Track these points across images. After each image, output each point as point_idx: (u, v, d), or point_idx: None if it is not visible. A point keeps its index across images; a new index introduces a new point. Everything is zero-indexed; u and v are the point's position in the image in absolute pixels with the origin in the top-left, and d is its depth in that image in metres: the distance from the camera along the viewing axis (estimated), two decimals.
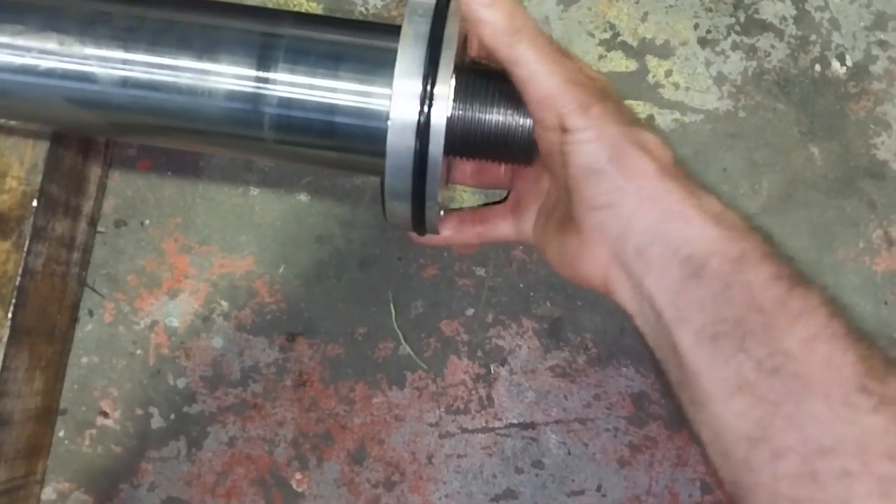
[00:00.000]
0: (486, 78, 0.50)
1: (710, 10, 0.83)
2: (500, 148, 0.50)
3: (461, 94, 0.49)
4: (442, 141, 0.48)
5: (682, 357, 0.42)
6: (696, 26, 0.83)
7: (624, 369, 0.77)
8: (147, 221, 0.80)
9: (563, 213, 0.48)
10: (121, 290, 0.79)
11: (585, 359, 0.77)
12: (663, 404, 0.77)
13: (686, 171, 0.46)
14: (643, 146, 0.45)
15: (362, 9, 0.84)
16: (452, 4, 0.49)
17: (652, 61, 0.82)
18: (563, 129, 0.45)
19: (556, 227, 0.50)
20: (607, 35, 0.83)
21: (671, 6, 0.83)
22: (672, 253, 0.43)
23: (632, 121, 0.46)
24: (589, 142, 0.45)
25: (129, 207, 0.80)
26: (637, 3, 0.83)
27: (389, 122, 0.48)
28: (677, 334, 0.42)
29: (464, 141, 0.50)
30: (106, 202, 0.80)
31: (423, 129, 0.48)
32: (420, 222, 0.51)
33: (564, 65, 0.46)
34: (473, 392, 0.77)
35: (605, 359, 0.77)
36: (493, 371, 0.78)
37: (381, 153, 0.49)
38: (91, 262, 0.80)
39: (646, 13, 0.83)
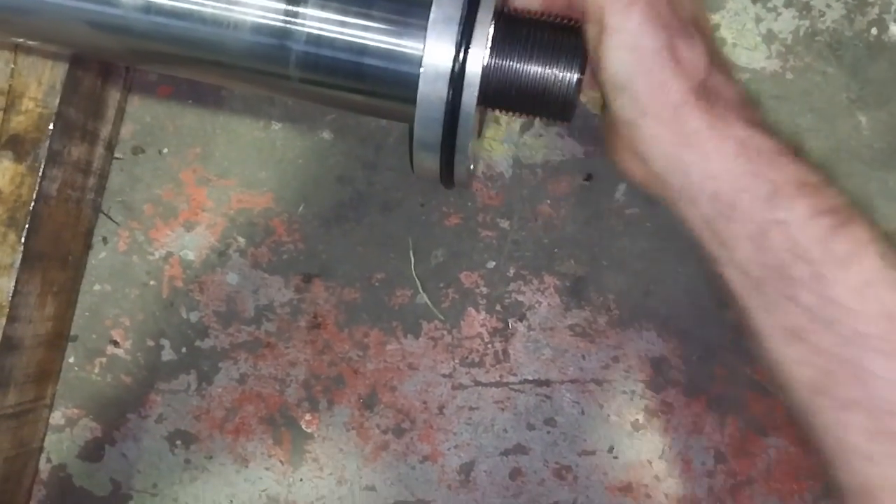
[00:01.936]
0: (527, 26, 0.47)
1: None
2: (536, 102, 0.48)
3: (499, 42, 0.47)
4: (476, 92, 0.45)
5: (733, 291, 0.41)
6: None
7: (645, 332, 0.75)
8: (165, 150, 0.78)
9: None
10: (136, 218, 0.78)
11: (607, 319, 0.76)
12: (683, 370, 0.75)
13: (719, 87, 0.42)
14: (677, 62, 0.42)
15: None
16: None
17: None
18: (602, 26, 0.42)
19: (606, 115, 0.47)
20: None
21: None
22: (697, 188, 0.41)
23: (677, 23, 0.42)
24: (621, 49, 0.42)
25: (147, 134, 0.78)
26: None
27: (422, 69, 0.45)
28: (722, 269, 0.41)
29: (498, 92, 0.47)
30: (124, 128, 0.78)
31: (457, 77, 0.45)
32: (449, 175, 0.49)
33: None
34: (489, 346, 0.76)
35: (626, 321, 0.75)
36: (510, 326, 0.76)
37: (412, 100, 0.46)
38: (107, 188, 0.78)
39: None
